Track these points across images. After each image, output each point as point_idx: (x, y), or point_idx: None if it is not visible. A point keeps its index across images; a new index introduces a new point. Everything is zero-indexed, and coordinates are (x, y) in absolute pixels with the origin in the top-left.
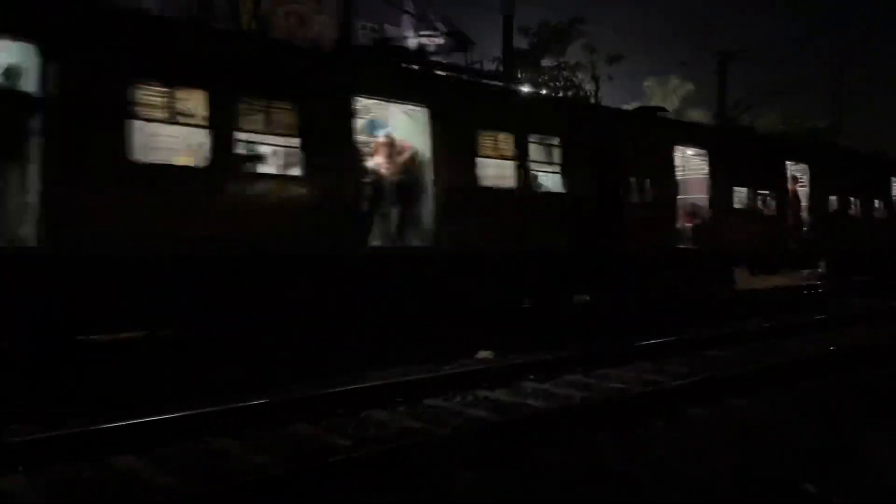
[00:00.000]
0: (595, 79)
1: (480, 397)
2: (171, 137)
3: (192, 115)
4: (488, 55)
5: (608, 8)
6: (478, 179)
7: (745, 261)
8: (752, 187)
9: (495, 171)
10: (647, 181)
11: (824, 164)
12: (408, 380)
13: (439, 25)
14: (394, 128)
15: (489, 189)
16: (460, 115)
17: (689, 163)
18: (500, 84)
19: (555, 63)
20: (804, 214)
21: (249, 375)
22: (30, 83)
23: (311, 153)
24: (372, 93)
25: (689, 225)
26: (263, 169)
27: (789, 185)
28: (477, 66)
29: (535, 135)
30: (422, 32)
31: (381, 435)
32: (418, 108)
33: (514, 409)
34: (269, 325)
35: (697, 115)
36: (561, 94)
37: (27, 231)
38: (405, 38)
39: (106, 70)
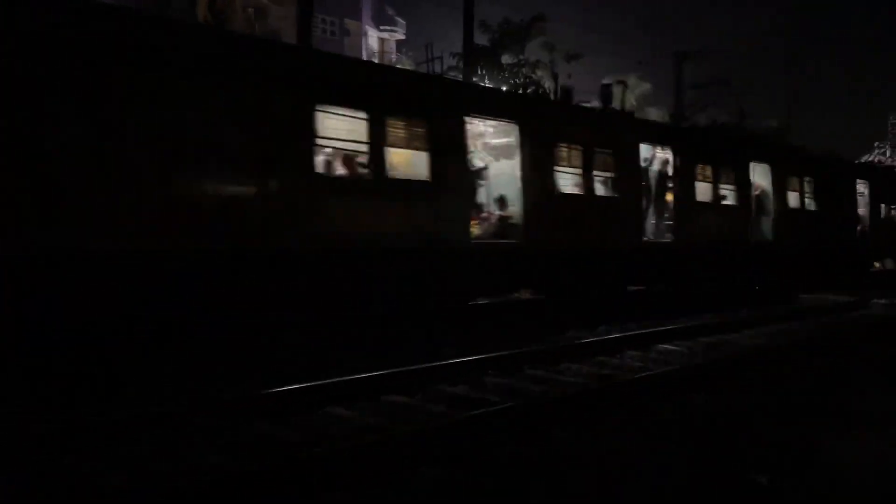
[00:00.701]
0: (554, 77)
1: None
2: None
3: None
4: (448, 51)
5: (567, 6)
6: (787, 203)
7: (876, 255)
8: (888, 205)
9: (792, 198)
10: (843, 201)
11: None
12: (369, 376)
13: (398, 20)
14: (753, 175)
15: (790, 209)
16: (781, 167)
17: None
18: (794, 145)
19: (515, 60)
20: None
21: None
22: (669, 167)
23: (738, 193)
24: (757, 160)
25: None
26: (726, 202)
27: None
28: (437, 60)
29: (805, 175)
30: (382, 27)
31: (340, 432)
32: (765, 165)
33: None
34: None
35: (654, 114)
36: (521, 91)
37: (661, 235)
38: (365, 32)
39: (693, 158)
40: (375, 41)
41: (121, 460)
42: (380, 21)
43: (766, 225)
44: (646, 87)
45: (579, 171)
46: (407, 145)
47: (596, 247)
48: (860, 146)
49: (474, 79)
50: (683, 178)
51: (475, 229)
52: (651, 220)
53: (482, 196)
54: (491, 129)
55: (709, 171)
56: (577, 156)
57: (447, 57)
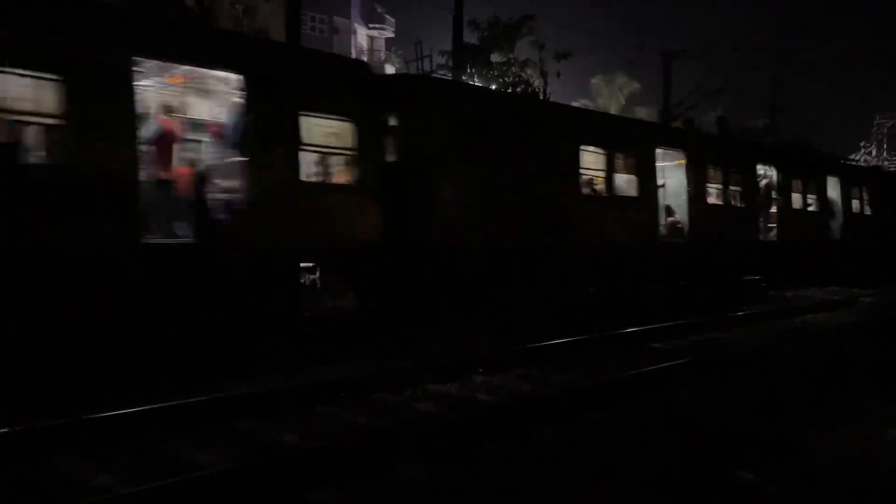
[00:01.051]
0: (543, 75)
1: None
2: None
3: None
4: (437, 49)
5: (556, 5)
6: (851, 209)
7: None
8: None
9: (854, 205)
10: (891, 207)
11: None
12: (356, 375)
13: (388, 18)
14: (828, 187)
15: (853, 214)
16: (846, 179)
17: None
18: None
19: (504, 59)
20: None
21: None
22: (773, 181)
23: (818, 201)
24: (830, 174)
25: None
26: (810, 209)
27: None
28: (427, 59)
29: (863, 185)
30: (371, 25)
31: (328, 430)
32: (836, 178)
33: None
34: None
35: (643, 114)
36: (510, 90)
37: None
38: (354, 30)
39: (789, 174)
40: (364, 39)
41: None
42: (369, 19)
43: (836, 227)
44: (634, 86)
45: (720, 186)
46: (624, 171)
47: (731, 245)
48: (847, 146)
49: (463, 77)
50: (783, 190)
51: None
52: (761, 224)
53: None
54: (666, 156)
55: (800, 185)
56: (719, 175)
57: (436, 55)
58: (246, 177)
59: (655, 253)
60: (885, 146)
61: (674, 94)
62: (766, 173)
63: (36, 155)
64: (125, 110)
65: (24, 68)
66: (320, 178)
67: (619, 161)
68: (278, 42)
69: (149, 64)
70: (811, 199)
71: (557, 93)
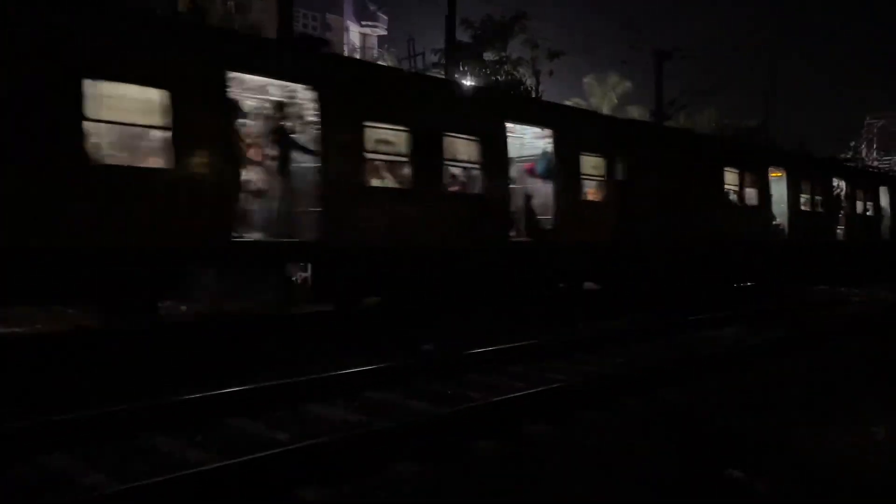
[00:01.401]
0: (536, 74)
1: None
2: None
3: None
4: (430, 47)
5: (551, 4)
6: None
7: None
8: None
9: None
10: None
11: None
12: (348, 372)
13: (380, 16)
14: (880, 196)
15: None
16: (893, 188)
17: None
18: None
19: (497, 57)
20: None
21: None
22: (842, 192)
23: (874, 208)
24: (881, 185)
25: None
26: (868, 214)
27: None
28: (419, 57)
29: None
30: (363, 23)
31: (320, 429)
32: (885, 187)
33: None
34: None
35: (635, 113)
36: (503, 89)
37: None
38: (347, 28)
39: (854, 185)
40: (357, 37)
41: None
42: (361, 16)
43: (886, 229)
44: (626, 85)
45: (809, 196)
46: (750, 185)
47: (816, 244)
48: (839, 145)
49: (456, 76)
50: (849, 199)
51: None
52: (834, 227)
53: None
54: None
55: (861, 194)
56: (809, 187)
57: (429, 53)
58: (553, 198)
59: (766, 250)
60: (874, 146)
61: (667, 93)
62: (839, 185)
63: (471, 188)
64: (504, 157)
65: (464, 134)
66: (586, 197)
67: (747, 177)
68: (570, 106)
69: (510, 125)
70: (869, 205)
71: (550, 92)
